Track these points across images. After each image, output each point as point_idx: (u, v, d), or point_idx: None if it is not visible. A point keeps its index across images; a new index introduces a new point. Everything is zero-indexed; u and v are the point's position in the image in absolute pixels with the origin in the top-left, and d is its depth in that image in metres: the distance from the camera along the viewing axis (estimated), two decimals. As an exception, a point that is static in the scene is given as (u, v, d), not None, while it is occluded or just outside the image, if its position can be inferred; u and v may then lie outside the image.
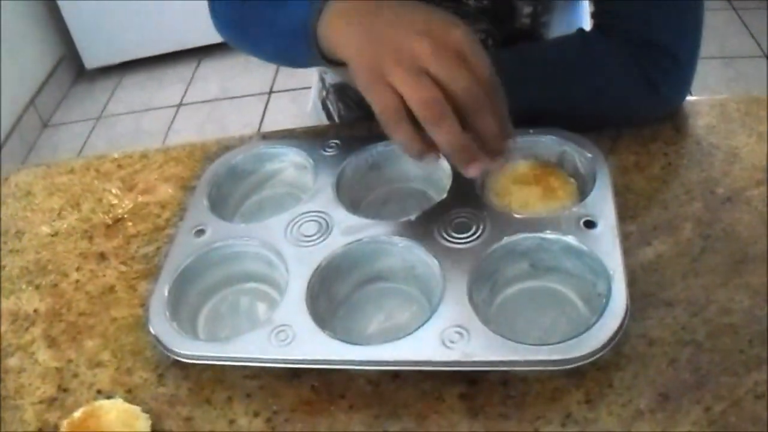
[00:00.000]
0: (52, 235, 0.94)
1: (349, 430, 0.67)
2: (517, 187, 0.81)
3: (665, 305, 0.73)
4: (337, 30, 0.75)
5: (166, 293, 0.76)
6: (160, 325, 0.74)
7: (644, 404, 0.65)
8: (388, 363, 0.67)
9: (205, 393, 0.73)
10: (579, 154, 0.83)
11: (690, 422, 0.64)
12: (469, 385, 0.69)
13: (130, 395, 0.73)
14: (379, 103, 0.69)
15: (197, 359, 0.72)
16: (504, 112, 0.70)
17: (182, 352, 0.72)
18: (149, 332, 0.75)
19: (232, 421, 0.70)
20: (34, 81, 3.32)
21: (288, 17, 0.82)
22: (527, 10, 1.00)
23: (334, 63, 0.77)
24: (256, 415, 0.70)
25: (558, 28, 1.04)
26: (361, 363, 0.68)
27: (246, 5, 0.89)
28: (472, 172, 0.70)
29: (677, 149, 0.90)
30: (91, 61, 3.52)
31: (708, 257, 0.77)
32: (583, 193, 0.80)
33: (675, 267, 0.76)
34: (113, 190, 0.99)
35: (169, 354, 0.73)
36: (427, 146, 0.69)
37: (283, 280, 0.75)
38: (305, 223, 0.80)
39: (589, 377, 0.67)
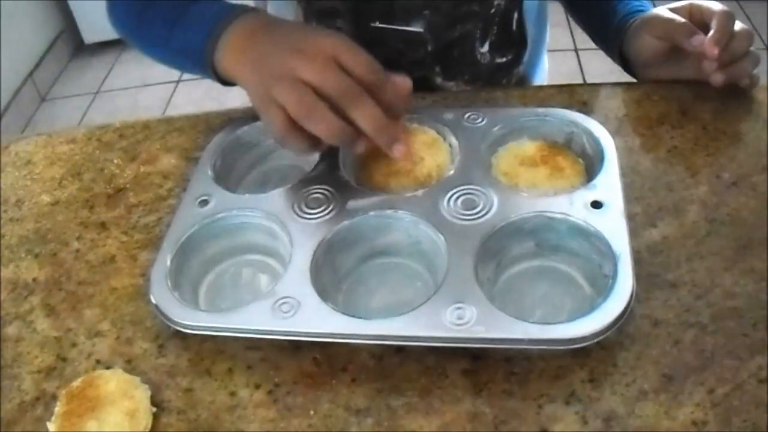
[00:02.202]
0: (53, 204, 0.93)
1: (351, 403, 0.67)
2: (525, 168, 0.80)
3: (670, 287, 0.72)
4: (231, 64, 0.84)
5: (168, 263, 0.76)
6: (162, 295, 0.73)
7: (648, 385, 0.65)
8: (391, 338, 0.67)
9: (205, 364, 0.72)
10: (587, 134, 0.83)
11: (693, 404, 0.63)
12: (472, 360, 0.68)
13: (130, 365, 0.73)
14: (270, 122, 0.77)
15: (198, 330, 0.71)
16: (389, 100, 0.76)
17: (183, 322, 0.71)
18: (150, 302, 0.74)
19: (232, 393, 0.69)
20: (32, 55, 3.30)
21: (183, 41, 0.90)
22: None
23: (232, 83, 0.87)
24: (257, 387, 0.69)
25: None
26: (364, 337, 0.68)
27: (142, 17, 0.95)
28: (358, 148, 0.78)
29: (683, 132, 0.89)
30: (90, 36, 3.50)
31: (713, 241, 0.76)
32: (590, 173, 0.80)
33: (680, 249, 0.76)
34: (115, 160, 0.98)
35: (169, 324, 0.72)
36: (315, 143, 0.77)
37: (287, 253, 0.75)
38: (310, 196, 0.79)
39: (593, 356, 0.67)
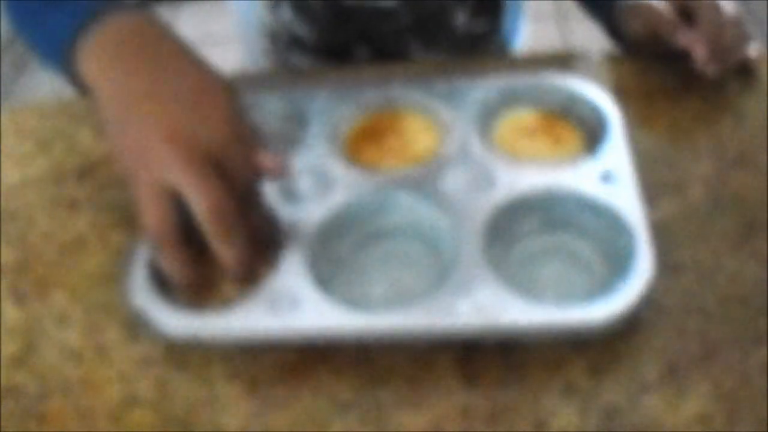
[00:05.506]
0: (21, 182, 0.88)
1: (335, 396, 0.63)
2: (524, 139, 0.77)
3: (672, 270, 0.69)
4: (94, 72, 0.71)
5: (148, 256, 0.69)
6: (146, 299, 0.67)
7: (651, 376, 0.62)
8: (402, 333, 0.62)
9: (180, 353, 0.68)
10: (586, 102, 0.79)
11: (698, 396, 0.60)
12: (464, 349, 0.65)
13: (101, 355, 0.69)
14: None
15: (190, 338, 0.66)
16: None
17: (175, 331, 0.65)
18: (130, 305, 0.68)
19: (209, 386, 0.65)
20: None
21: (49, 34, 0.78)
22: None
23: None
24: (235, 378, 0.66)
25: None
26: (374, 334, 0.63)
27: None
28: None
29: (683, 106, 0.86)
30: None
31: (717, 221, 0.73)
32: (591, 144, 0.76)
33: (682, 230, 0.72)
34: (87, 134, 0.93)
35: (159, 333, 0.66)
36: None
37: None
38: (299, 178, 0.74)
39: (593, 345, 0.64)
